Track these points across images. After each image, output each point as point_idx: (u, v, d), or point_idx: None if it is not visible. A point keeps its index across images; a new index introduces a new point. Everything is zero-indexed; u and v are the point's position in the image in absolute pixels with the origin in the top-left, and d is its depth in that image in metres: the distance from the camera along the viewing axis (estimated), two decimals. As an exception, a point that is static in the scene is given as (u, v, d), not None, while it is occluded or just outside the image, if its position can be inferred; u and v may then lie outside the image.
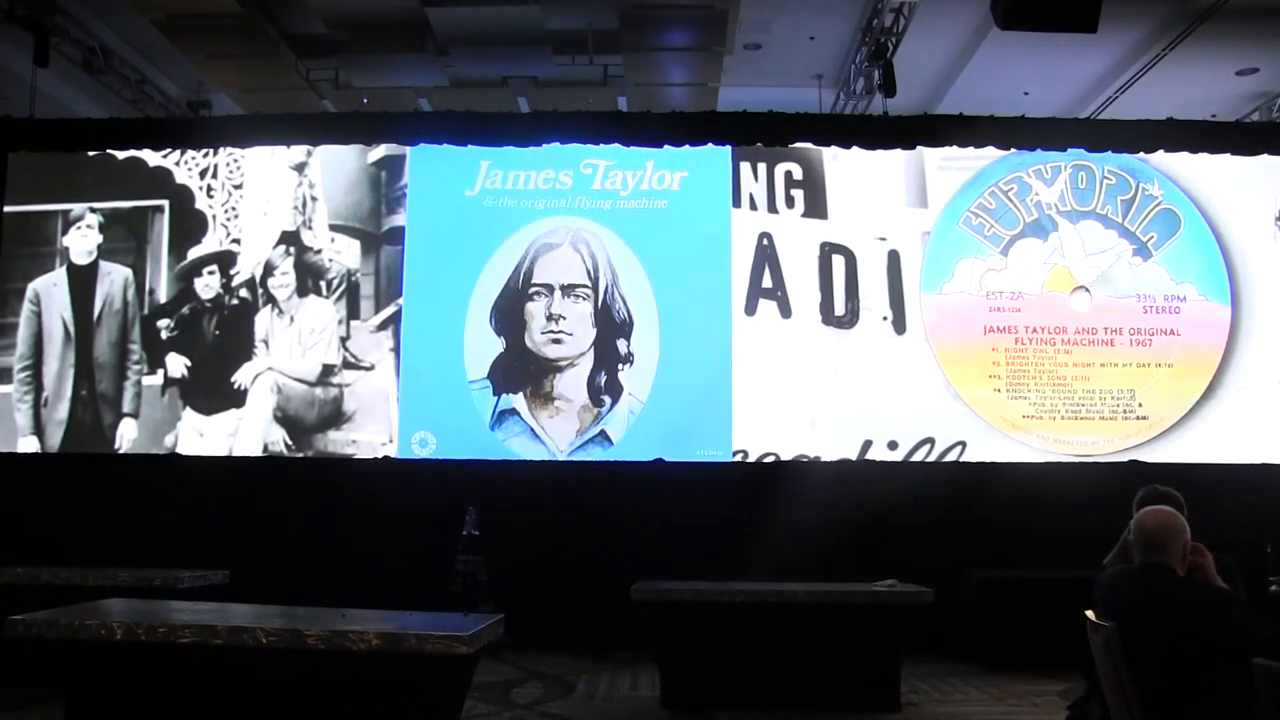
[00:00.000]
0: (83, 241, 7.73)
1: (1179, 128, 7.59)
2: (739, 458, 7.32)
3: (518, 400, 7.42)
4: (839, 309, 7.50)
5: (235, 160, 7.77)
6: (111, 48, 8.50)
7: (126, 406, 7.56)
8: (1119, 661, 3.01)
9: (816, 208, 7.57)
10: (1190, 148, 7.63)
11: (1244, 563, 3.73)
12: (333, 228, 7.69)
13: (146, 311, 7.67)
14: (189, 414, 7.52)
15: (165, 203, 7.74)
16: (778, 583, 5.55)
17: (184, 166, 7.77)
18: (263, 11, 8.20)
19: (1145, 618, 2.99)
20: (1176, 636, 2.92)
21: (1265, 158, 7.66)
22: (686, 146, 7.61)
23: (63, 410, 7.58)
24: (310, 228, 7.69)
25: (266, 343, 7.59)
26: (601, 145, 7.64)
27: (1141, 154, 7.64)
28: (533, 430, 7.39)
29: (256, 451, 7.46)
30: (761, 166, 7.60)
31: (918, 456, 7.37)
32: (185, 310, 7.66)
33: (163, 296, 7.69)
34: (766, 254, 7.52)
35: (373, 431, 7.45)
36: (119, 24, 8.33)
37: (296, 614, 3.95)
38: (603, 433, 7.38)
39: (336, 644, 3.50)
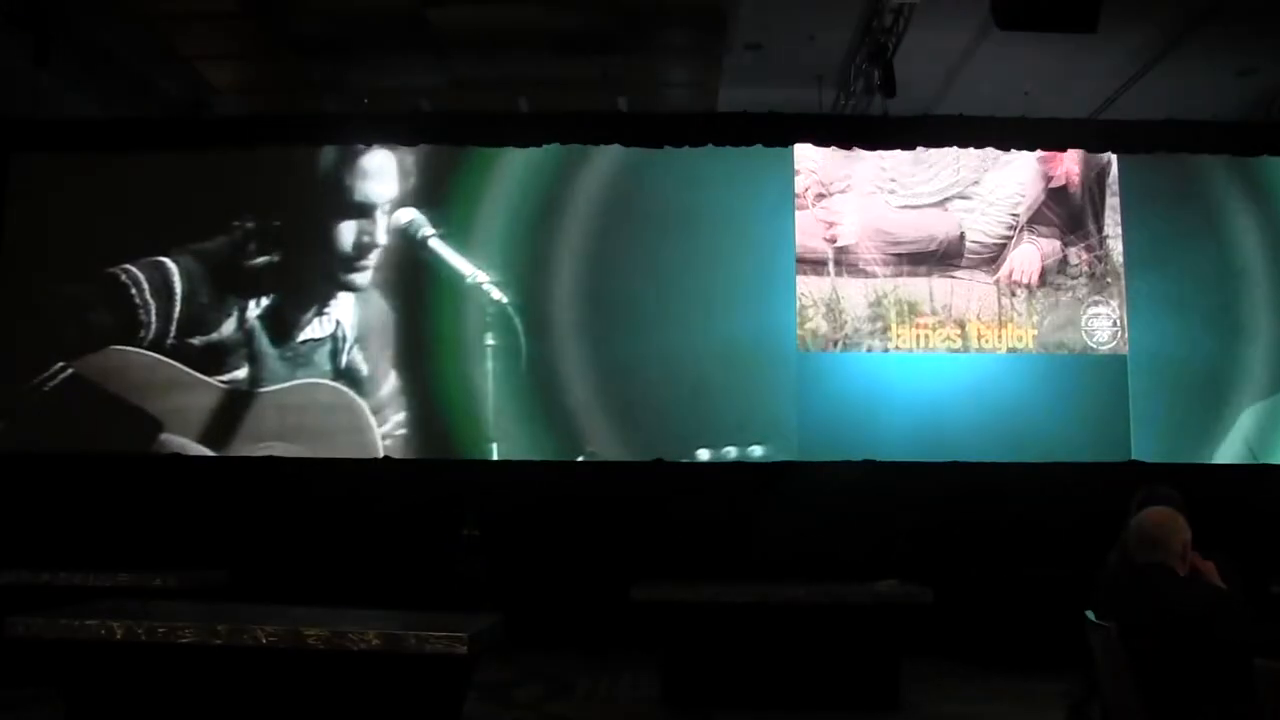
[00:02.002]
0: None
1: (1179, 128, 7.60)
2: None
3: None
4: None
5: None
6: (111, 48, 8.48)
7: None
8: (1119, 661, 3.01)
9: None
10: (1190, 148, 7.63)
11: (1244, 563, 3.73)
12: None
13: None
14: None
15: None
16: (778, 583, 5.56)
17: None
18: (263, 11, 8.18)
19: (1145, 617, 2.99)
20: (1176, 636, 2.91)
21: (1265, 158, 7.67)
22: (686, 147, 7.62)
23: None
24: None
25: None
26: (601, 146, 7.65)
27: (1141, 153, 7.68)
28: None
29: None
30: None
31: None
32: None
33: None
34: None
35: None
36: (119, 24, 8.31)
37: (296, 614, 3.95)
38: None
39: (336, 644, 3.50)
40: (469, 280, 7.58)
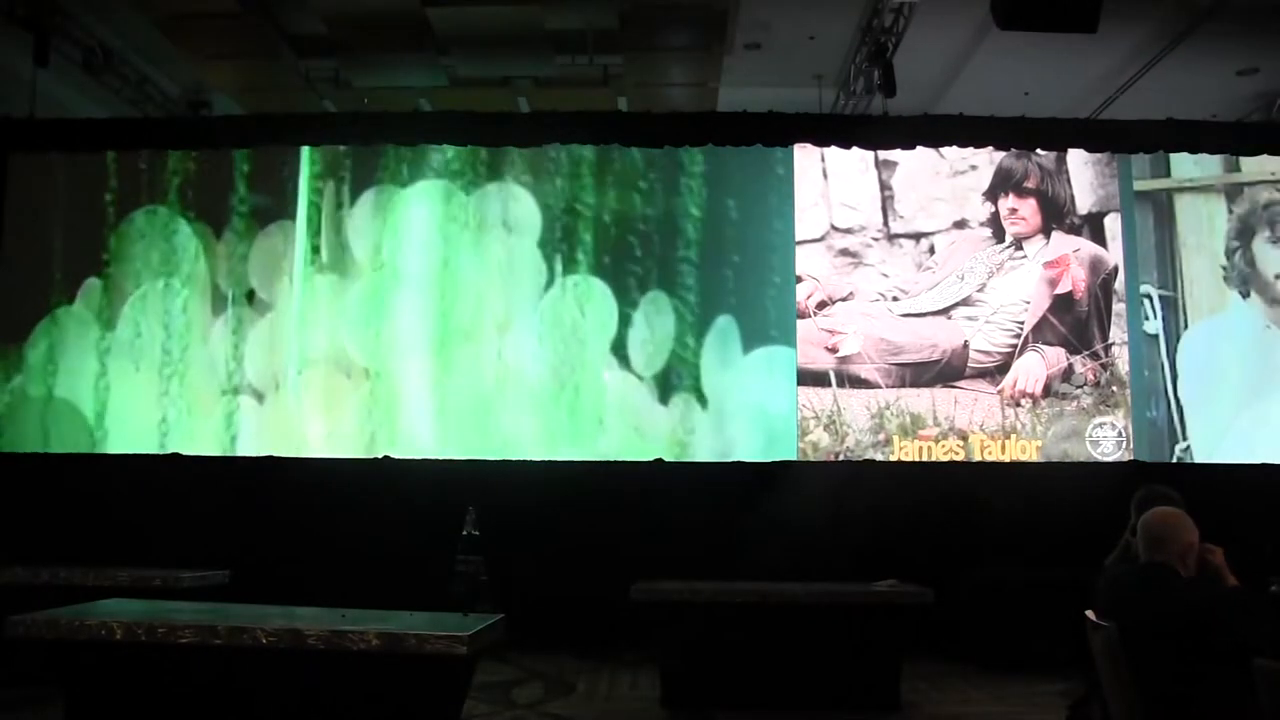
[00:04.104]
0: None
1: (1179, 128, 7.60)
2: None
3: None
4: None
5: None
6: (111, 48, 8.49)
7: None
8: (1119, 661, 3.01)
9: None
10: (1190, 148, 7.64)
11: (1244, 563, 3.72)
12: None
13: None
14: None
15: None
16: (778, 583, 5.56)
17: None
18: (263, 11, 8.18)
19: (1145, 617, 2.98)
20: (1176, 636, 2.91)
21: (1265, 158, 7.68)
22: (686, 147, 7.63)
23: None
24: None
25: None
26: (601, 145, 7.65)
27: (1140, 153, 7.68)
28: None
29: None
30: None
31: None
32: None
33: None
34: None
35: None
36: (119, 24, 8.32)
37: (296, 614, 3.95)
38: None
39: (336, 644, 3.50)
40: (468, 279, 7.58)
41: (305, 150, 7.79)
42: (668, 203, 7.64)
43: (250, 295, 7.51)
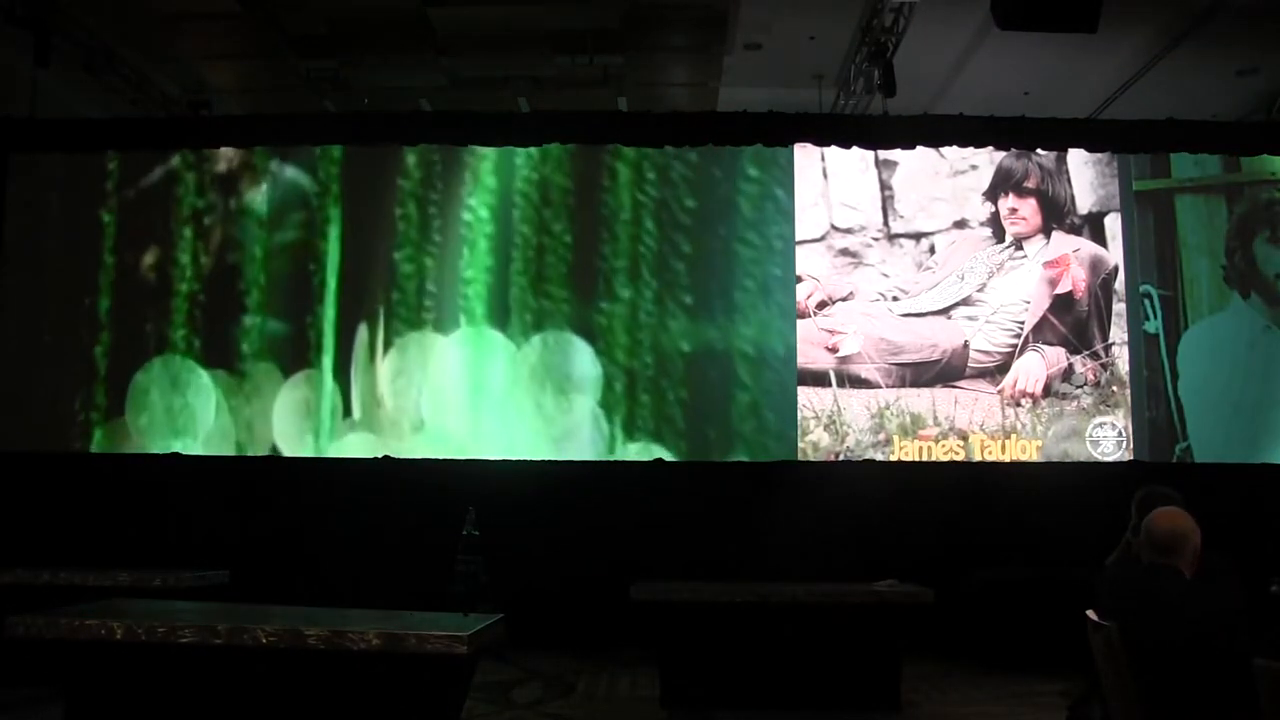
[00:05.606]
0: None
1: (1179, 128, 7.60)
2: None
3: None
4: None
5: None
6: (111, 48, 8.49)
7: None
8: (1119, 661, 3.01)
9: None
10: (1190, 148, 7.64)
11: (1244, 563, 3.73)
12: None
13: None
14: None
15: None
16: (778, 583, 5.56)
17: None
18: (263, 11, 8.19)
19: (1147, 618, 2.98)
20: (1178, 638, 2.91)
21: (1265, 158, 7.68)
22: (686, 147, 7.63)
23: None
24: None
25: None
26: (601, 145, 7.65)
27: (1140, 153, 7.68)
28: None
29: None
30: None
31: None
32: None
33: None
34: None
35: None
36: (119, 24, 8.32)
37: (296, 614, 3.95)
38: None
39: (336, 644, 3.50)
40: (468, 279, 7.58)
41: (331, 282, 7.58)
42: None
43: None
